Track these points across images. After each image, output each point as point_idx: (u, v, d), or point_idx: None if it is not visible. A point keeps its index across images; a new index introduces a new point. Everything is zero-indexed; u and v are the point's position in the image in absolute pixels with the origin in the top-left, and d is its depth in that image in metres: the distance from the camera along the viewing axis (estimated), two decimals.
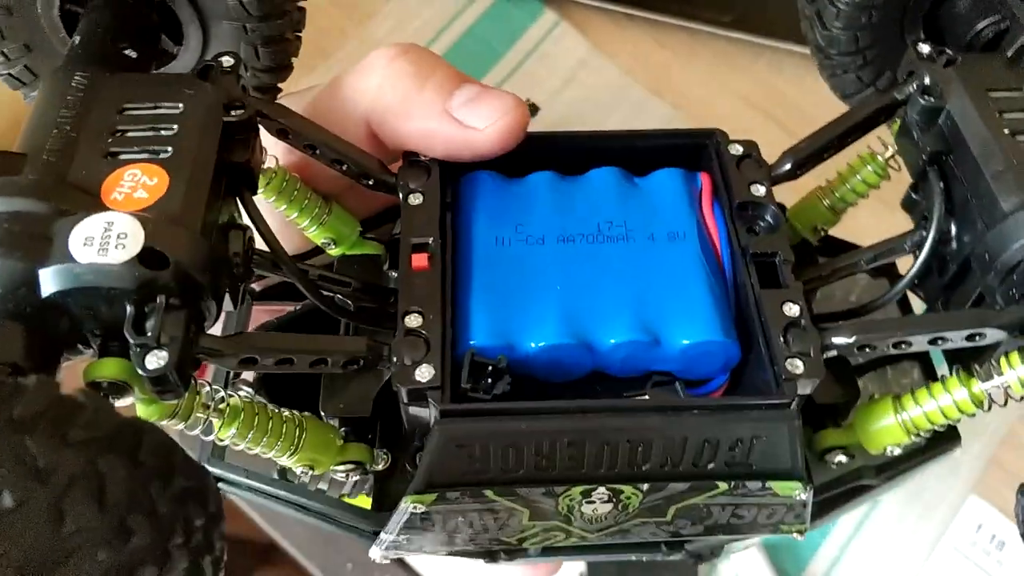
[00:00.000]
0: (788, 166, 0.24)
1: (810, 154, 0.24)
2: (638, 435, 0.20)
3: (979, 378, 0.21)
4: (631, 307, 0.22)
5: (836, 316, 0.24)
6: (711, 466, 0.21)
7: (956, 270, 0.23)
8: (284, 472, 0.25)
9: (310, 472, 0.22)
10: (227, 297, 0.20)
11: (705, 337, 0.21)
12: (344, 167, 0.23)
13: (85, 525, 0.12)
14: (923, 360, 0.27)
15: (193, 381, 0.19)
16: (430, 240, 0.22)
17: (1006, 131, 0.21)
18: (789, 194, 0.26)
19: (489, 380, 0.20)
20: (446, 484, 0.21)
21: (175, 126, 0.20)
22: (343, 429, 0.23)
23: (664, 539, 0.25)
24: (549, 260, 0.23)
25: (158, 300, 0.17)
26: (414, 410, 0.21)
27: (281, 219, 0.24)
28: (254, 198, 0.22)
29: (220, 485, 0.24)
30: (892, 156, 0.25)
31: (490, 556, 0.26)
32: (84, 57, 0.22)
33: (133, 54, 0.23)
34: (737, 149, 0.24)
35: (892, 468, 0.25)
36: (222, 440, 0.20)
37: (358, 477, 0.23)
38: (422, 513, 0.21)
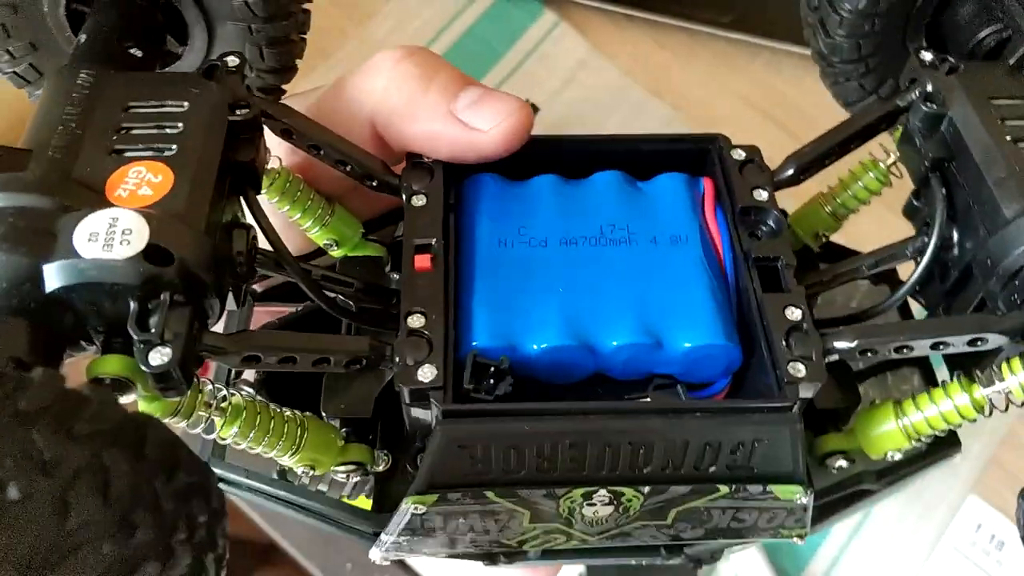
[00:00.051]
0: (791, 171, 0.24)
1: (812, 160, 0.24)
2: (640, 437, 0.20)
3: (980, 383, 0.21)
4: (633, 310, 0.22)
5: (837, 321, 0.24)
6: (712, 469, 0.21)
7: (958, 276, 0.23)
8: (284, 473, 0.25)
9: (311, 472, 0.22)
10: (230, 296, 0.20)
11: (707, 340, 0.21)
12: (348, 168, 0.23)
13: (90, 519, 0.12)
14: (923, 366, 0.27)
15: (196, 379, 0.19)
16: (433, 241, 0.22)
17: (1008, 138, 0.22)
18: (791, 200, 0.26)
19: (491, 381, 0.20)
20: (447, 485, 0.21)
21: (180, 124, 0.20)
22: (344, 430, 0.23)
23: (664, 542, 0.25)
24: (552, 262, 0.23)
25: (162, 297, 0.17)
26: (416, 411, 0.21)
27: (284, 220, 0.24)
28: (257, 198, 0.22)
29: (220, 485, 0.24)
30: (894, 163, 0.25)
31: (490, 558, 0.26)
32: (90, 55, 0.22)
33: (138, 53, 0.23)
34: (740, 154, 0.24)
35: (893, 473, 0.25)
36: (224, 439, 0.20)
37: (359, 478, 0.23)
38: (423, 514, 0.21)
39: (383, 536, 0.23)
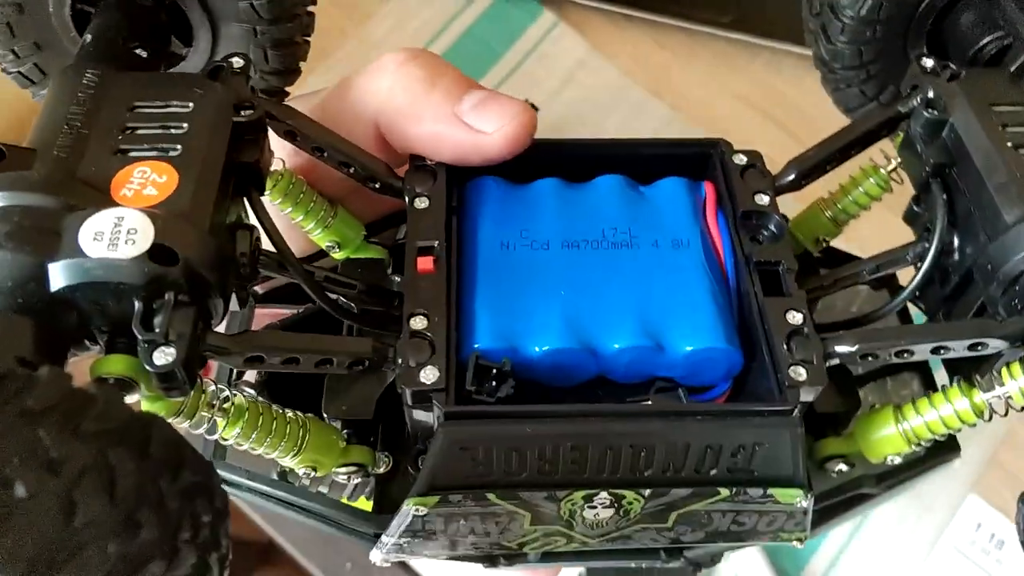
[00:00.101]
0: (792, 176, 0.24)
1: (814, 165, 0.24)
2: (641, 440, 0.20)
3: (980, 388, 0.21)
4: (635, 313, 0.22)
5: (838, 326, 0.24)
6: (713, 472, 0.21)
7: (958, 281, 0.23)
8: (285, 474, 0.25)
9: (312, 474, 0.22)
10: (232, 297, 0.20)
11: (708, 344, 0.21)
12: (351, 170, 0.23)
13: (96, 517, 0.12)
14: (922, 371, 0.27)
15: (199, 380, 0.19)
16: (436, 243, 0.22)
17: (1009, 144, 0.22)
18: (792, 206, 0.26)
19: (493, 383, 0.20)
20: (449, 487, 0.21)
21: (185, 125, 0.20)
22: (345, 431, 0.23)
23: (664, 545, 0.25)
24: (554, 265, 0.23)
25: (166, 296, 0.17)
26: (417, 413, 0.21)
27: (286, 221, 0.24)
28: (261, 199, 0.22)
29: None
30: (895, 169, 0.25)
31: (490, 561, 0.26)
32: (95, 55, 0.22)
33: (143, 54, 0.24)
34: (741, 159, 0.24)
35: (892, 477, 0.25)
36: (226, 440, 0.20)
37: (359, 479, 0.23)
38: (424, 516, 0.21)
39: (384, 538, 0.23)
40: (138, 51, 0.24)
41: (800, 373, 0.20)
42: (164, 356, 0.17)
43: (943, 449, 0.25)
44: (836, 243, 0.27)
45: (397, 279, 0.25)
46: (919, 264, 0.24)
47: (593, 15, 0.58)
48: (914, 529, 0.48)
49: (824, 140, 0.25)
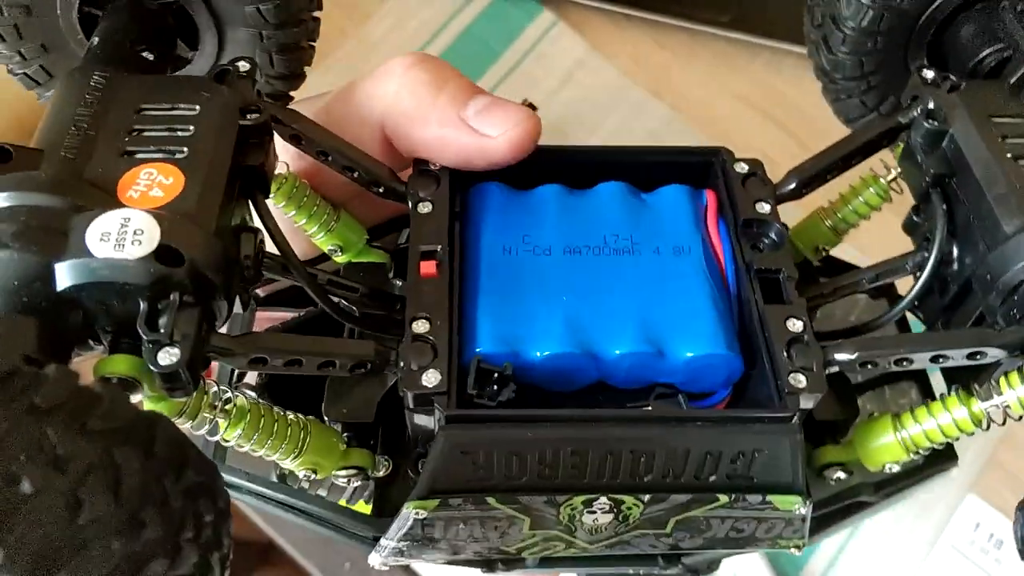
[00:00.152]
0: (793, 185, 0.24)
1: (814, 174, 0.25)
2: (641, 445, 0.20)
3: (979, 397, 0.21)
4: (636, 319, 0.22)
5: (837, 334, 0.25)
6: (712, 478, 0.21)
7: (957, 291, 0.23)
8: (284, 476, 0.25)
9: (312, 476, 0.22)
10: (236, 299, 0.20)
11: (708, 350, 0.22)
12: (355, 174, 0.24)
13: (100, 515, 0.12)
14: (921, 380, 0.28)
15: (201, 381, 0.19)
16: (438, 248, 0.22)
17: (1008, 155, 0.22)
18: (794, 212, 0.26)
19: (494, 387, 0.20)
20: (449, 490, 0.21)
21: (191, 127, 0.20)
22: (345, 434, 0.23)
23: (663, 551, 0.25)
24: (555, 270, 0.23)
25: (171, 297, 0.17)
26: (418, 416, 0.21)
27: (289, 225, 0.25)
28: (265, 202, 0.22)
29: None
30: (895, 178, 0.26)
31: (488, 566, 0.26)
32: (102, 58, 0.23)
33: (150, 57, 0.24)
34: (743, 167, 0.24)
35: (890, 485, 0.25)
36: (227, 441, 0.20)
37: (359, 483, 0.24)
38: (424, 519, 0.21)
39: (383, 541, 0.23)
40: (145, 54, 0.24)
41: (800, 380, 0.20)
42: (168, 356, 0.17)
43: (941, 458, 0.25)
44: (836, 247, 0.28)
45: (399, 283, 0.25)
46: (918, 273, 0.24)
47: (592, 14, 0.58)
48: (913, 529, 0.48)
49: (825, 150, 0.25)
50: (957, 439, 0.23)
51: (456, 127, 0.23)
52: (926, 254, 0.24)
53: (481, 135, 0.23)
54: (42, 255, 0.17)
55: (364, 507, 0.24)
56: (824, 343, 0.21)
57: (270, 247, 0.22)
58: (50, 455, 0.12)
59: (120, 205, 0.18)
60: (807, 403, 0.20)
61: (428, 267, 0.22)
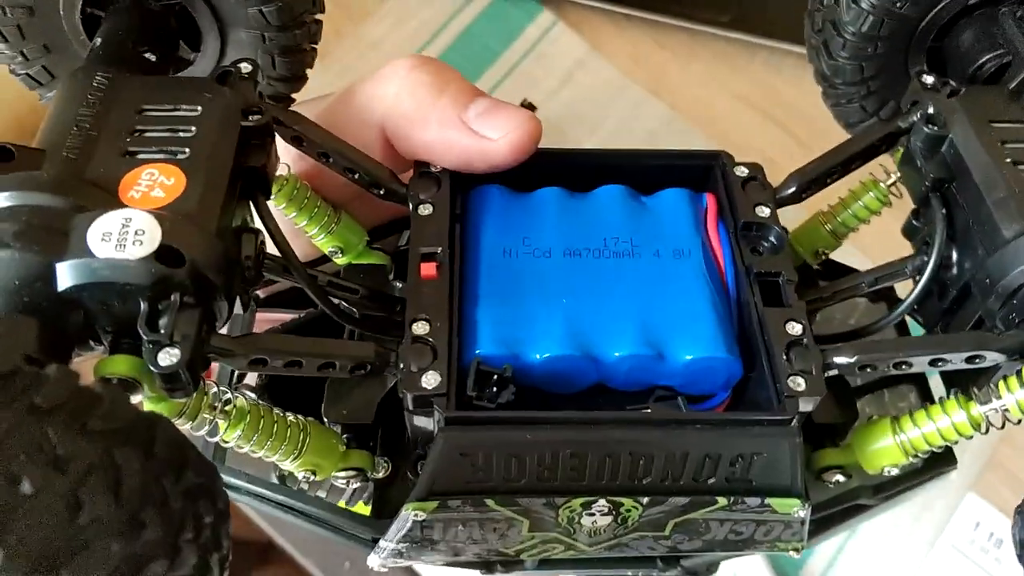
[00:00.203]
0: (793, 189, 0.24)
1: (814, 178, 0.25)
2: (640, 448, 0.21)
3: (977, 401, 0.21)
4: (635, 321, 0.22)
5: (836, 338, 0.25)
6: (711, 481, 0.21)
7: (956, 295, 0.23)
8: (284, 477, 0.25)
9: (311, 477, 0.22)
10: (236, 300, 0.20)
11: (708, 353, 0.22)
12: (356, 176, 0.24)
13: (100, 515, 0.12)
14: (920, 383, 0.28)
15: (201, 381, 0.19)
16: (439, 250, 0.22)
17: (1008, 160, 0.22)
18: (796, 215, 0.26)
19: (494, 389, 0.20)
20: (448, 492, 0.21)
21: (193, 128, 0.20)
22: (345, 435, 0.23)
23: (661, 554, 0.25)
24: (555, 273, 0.23)
25: (172, 298, 0.17)
26: (418, 418, 0.21)
27: (290, 226, 0.25)
28: (266, 203, 0.22)
29: None
30: (894, 183, 0.26)
31: (487, 568, 0.26)
32: (105, 58, 0.23)
33: (152, 58, 0.24)
34: (743, 171, 0.25)
35: (889, 488, 0.25)
36: (227, 442, 0.20)
37: (358, 484, 0.24)
38: (423, 521, 0.21)
39: (382, 543, 0.23)
40: (147, 55, 0.24)
41: (799, 383, 0.20)
42: (168, 357, 0.17)
43: (940, 461, 0.26)
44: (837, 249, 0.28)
45: (399, 285, 0.25)
46: (918, 277, 0.24)
47: (592, 14, 0.58)
48: (913, 528, 0.48)
49: (825, 154, 0.25)
50: (956, 443, 0.23)
51: (457, 129, 0.23)
52: (925, 258, 0.24)
53: (482, 137, 0.23)
54: (43, 255, 0.17)
55: (363, 508, 0.25)
56: (823, 346, 0.21)
57: (271, 248, 0.22)
58: (50, 455, 0.12)
59: (121, 205, 0.18)
60: (806, 406, 0.20)
61: (428, 269, 0.22)
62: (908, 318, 0.26)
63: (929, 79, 0.24)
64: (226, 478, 0.25)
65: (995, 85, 0.25)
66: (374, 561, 0.24)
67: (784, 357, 0.21)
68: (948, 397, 0.22)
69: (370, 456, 0.23)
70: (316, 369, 0.20)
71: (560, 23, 0.58)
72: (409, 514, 0.21)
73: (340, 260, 0.26)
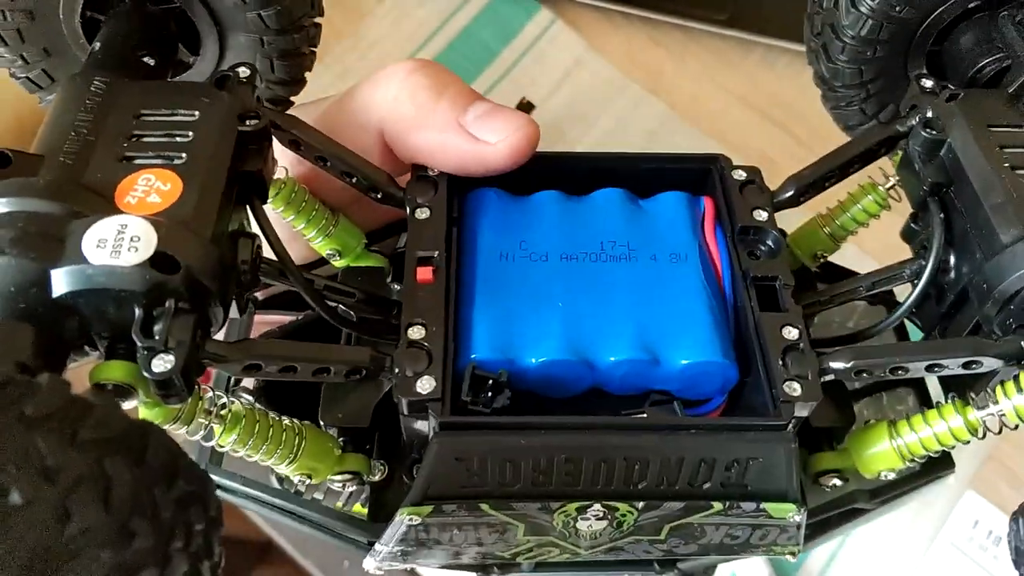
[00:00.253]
0: (790, 192, 0.24)
1: (812, 182, 0.25)
2: (635, 453, 0.21)
3: (975, 406, 0.21)
4: (631, 325, 0.22)
5: (834, 341, 0.25)
6: (706, 486, 0.21)
7: (954, 299, 0.23)
8: (281, 480, 0.25)
9: (308, 481, 0.22)
10: (232, 304, 0.20)
11: (704, 357, 0.22)
12: (353, 180, 0.24)
13: (90, 525, 0.12)
14: (918, 387, 0.28)
15: (196, 386, 0.19)
16: (435, 254, 0.22)
17: (1006, 165, 0.22)
18: (796, 217, 0.26)
19: (489, 394, 0.20)
20: (443, 497, 0.21)
21: (190, 133, 0.20)
22: (341, 439, 0.23)
23: (657, 557, 0.25)
24: (552, 277, 0.23)
25: (167, 304, 0.17)
26: (413, 422, 0.21)
27: (288, 229, 0.25)
28: (263, 207, 0.22)
29: (217, 492, 0.25)
30: (892, 187, 0.26)
31: (483, 570, 0.26)
32: (103, 63, 0.23)
33: (151, 61, 0.24)
34: (740, 175, 0.24)
35: (886, 492, 0.25)
36: (222, 446, 0.20)
37: (354, 487, 0.24)
38: (418, 525, 0.21)
39: (377, 546, 0.23)
40: (146, 59, 0.24)
41: (795, 388, 0.20)
42: (163, 363, 0.17)
43: (937, 465, 0.25)
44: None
45: (396, 287, 0.25)
46: (916, 281, 0.24)
47: (589, 12, 0.58)
48: (911, 526, 0.48)
49: (823, 157, 0.25)
50: (953, 447, 0.23)
51: (455, 133, 0.23)
52: (923, 262, 0.23)
53: (480, 141, 0.23)
54: (39, 261, 0.17)
55: (361, 509, 0.25)
56: (820, 351, 0.21)
57: (268, 252, 0.22)
58: (40, 466, 0.12)
59: (117, 211, 0.18)
60: (802, 411, 0.20)
61: (425, 273, 0.22)
62: (907, 321, 0.26)
63: (928, 83, 0.24)
64: (223, 481, 0.25)
65: (994, 89, 0.25)
66: (370, 564, 0.24)
67: (780, 362, 0.21)
68: (945, 402, 0.22)
69: (366, 459, 0.23)
70: (311, 375, 0.20)
71: (559, 21, 0.58)
72: (404, 518, 0.21)
73: (338, 263, 0.26)
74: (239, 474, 0.25)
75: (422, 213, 0.23)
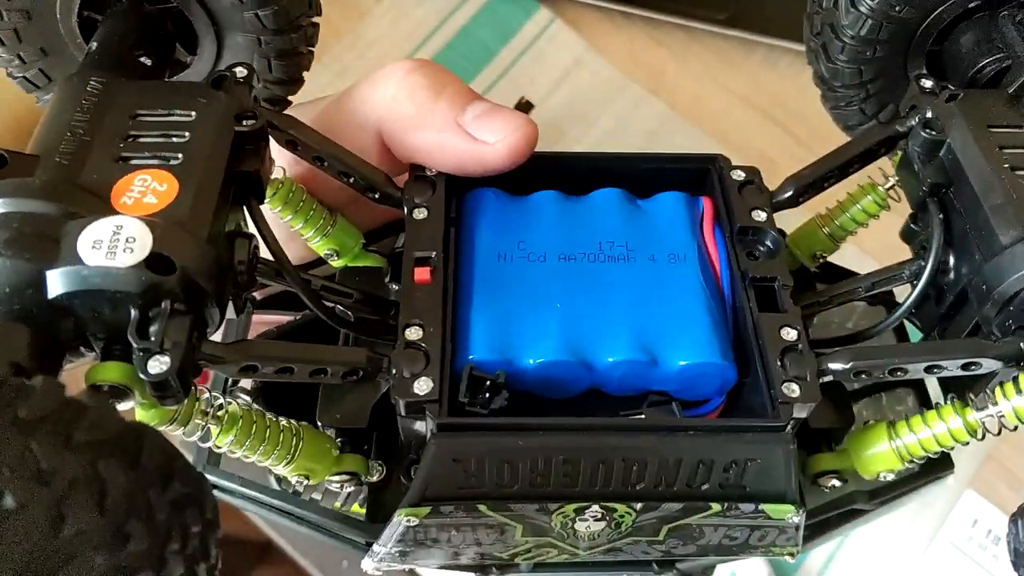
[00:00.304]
0: (789, 193, 0.24)
1: (812, 182, 0.25)
2: (633, 454, 0.20)
3: (974, 407, 0.21)
4: (630, 326, 0.22)
5: (833, 342, 0.25)
6: (705, 487, 0.21)
7: (953, 300, 0.23)
8: (280, 481, 0.25)
9: (305, 482, 0.22)
10: (229, 304, 0.20)
11: (702, 358, 0.22)
12: (351, 180, 0.24)
13: (84, 529, 0.12)
14: (918, 388, 0.27)
15: (193, 387, 0.19)
16: (433, 254, 0.22)
17: (1006, 166, 0.22)
18: (797, 217, 0.26)
19: (487, 395, 0.20)
20: (440, 498, 0.21)
21: (187, 133, 0.20)
22: (339, 440, 0.23)
23: (656, 558, 0.25)
24: (550, 277, 0.23)
25: (163, 305, 0.17)
26: (411, 423, 0.21)
27: (286, 229, 0.25)
28: (260, 207, 0.22)
29: (215, 492, 0.25)
30: (892, 187, 0.26)
31: (482, 571, 0.26)
32: (100, 62, 0.23)
33: (148, 61, 0.24)
34: (739, 175, 0.24)
35: (885, 493, 0.25)
36: (219, 447, 0.20)
37: (352, 488, 0.24)
38: (416, 526, 0.21)
39: (376, 547, 0.23)
40: (143, 59, 0.24)
41: (793, 390, 0.20)
42: (158, 365, 0.17)
43: (936, 466, 0.25)
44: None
45: (394, 287, 0.25)
46: (915, 282, 0.24)
47: (589, 12, 0.58)
48: (911, 525, 0.48)
49: (822, 157, 0.25)
50: (952, 448, 0.23)
51: (453, 132, 0.23)
52: (923, 263, 0.23)
53: (478, 141, 0.23)
54: (34, 262, 0.17)
55: (360, 509, 0.25)
56: (819, 352, 0.21)
57: (264, 253, 0.22)
58: (33, 469, 0.12)
59: (113, 212, 0.18)
60: (800, 413, 0.20)
61: (422, 273, 0.22)
62: (906, 322, 0.26)
63: (927, 83, 0.24)
64: (221, 481, 0.25)
65: (994, 89, 0.25)
66: (368, 565, 0.24)
67: (779, 363, 0.21)
68: (945, 403, 0.22)
69: (364, 460, 0.23)
70: (308, 375, 0.20)
71: (558, 20, 0.58)
72: (402, 519, 0.21)
73: (336, 263, 0.26)
74: (237, 475, 0.25)
75: (420, 213, 0.23)
